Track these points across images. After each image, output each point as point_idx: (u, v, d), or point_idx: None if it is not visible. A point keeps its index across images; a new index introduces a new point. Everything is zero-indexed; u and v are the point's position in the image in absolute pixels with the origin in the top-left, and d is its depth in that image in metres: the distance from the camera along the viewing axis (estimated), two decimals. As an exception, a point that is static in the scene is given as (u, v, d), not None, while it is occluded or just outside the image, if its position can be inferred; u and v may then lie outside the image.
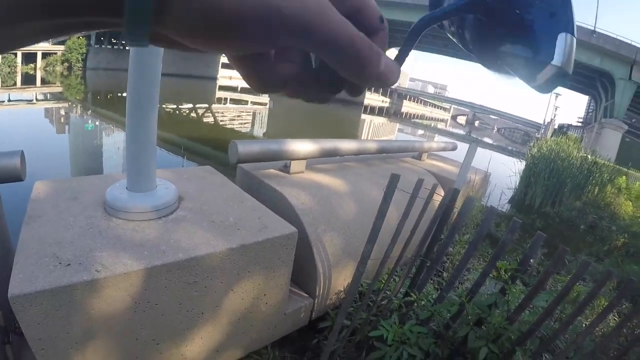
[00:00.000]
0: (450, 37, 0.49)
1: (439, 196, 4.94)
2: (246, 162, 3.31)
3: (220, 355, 2.57)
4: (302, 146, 3.52)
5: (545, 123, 32.55)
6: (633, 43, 32.09)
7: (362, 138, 27.24)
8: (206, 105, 28.42)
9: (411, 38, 0.42)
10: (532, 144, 15.52)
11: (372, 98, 78.06)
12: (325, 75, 0.38)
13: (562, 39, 0.39)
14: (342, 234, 3.20)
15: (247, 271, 2.34)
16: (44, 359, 1.86)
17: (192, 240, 2.18)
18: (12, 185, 2.47)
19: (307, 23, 0.28)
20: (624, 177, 12.32)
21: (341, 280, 3.23)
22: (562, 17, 0.40)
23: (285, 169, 3.60)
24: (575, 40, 0.40)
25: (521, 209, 10.52)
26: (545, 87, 0.42)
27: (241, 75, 0.36)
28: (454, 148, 7.07)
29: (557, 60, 0.39)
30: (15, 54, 61.31)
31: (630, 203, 11.63)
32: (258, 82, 0.36)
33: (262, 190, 3.28)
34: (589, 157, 12.02)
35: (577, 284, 2.30)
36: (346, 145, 4.08)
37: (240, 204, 2.75)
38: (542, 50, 0.40)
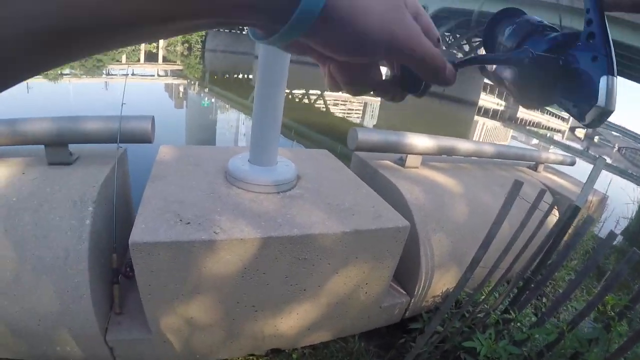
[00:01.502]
0: (491, 81, 0.54)
1: (554, 214, 4.63)
2: (364, 150, 3.28)
3: (311, 334, 2.60)
4: (420, 141, 3.42)
5: None
6: None
7: (475, 140, 26.14)
8: (319, 92, 28.93)
9: (463, 64, 0.49)
10: None
11: (487, 99, 74.80)
12: (405, 80, 0.46)
13: (604, 82, 0.42)
14: (450, 236, 3.08)
15: (356, 257, 2.32)
16: (149, 304, 1.99)
17: (307, 218, 2.20)
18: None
19: (411, 46, 0.38)
20: None
21: (441, 284, 3.11)
22: (604, 60, 0.42)
23: (401, 162, 3.52)
24: (616, 79, 0.42)
25: (634, 242, 9.49)
26: (593, 125, 0.45)
27: (339, 80, 0.44)
28: (573, 163, 6.52)
29: (601, 101, 0.41)
30: None
31: None
32: (353, 86, 0.45)
33: (376, 179, 3.24)
34: None
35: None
36: (463, 145, 3.91)
37: (356, 190, 2.74)
38: (588, 94, 0.42)
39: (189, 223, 1.94)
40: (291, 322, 2.43)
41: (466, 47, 56.91)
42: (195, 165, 2.61)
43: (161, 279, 1.92)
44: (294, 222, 2.13)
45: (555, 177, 5.70)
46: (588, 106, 0.43)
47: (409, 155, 3.44)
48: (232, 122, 14.61)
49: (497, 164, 4.83)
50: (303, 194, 2.48)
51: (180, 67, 32.77)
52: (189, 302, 2.05)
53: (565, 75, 0.45)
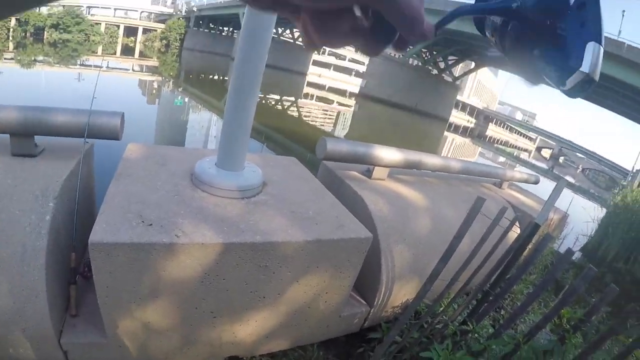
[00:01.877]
0: (488, 36, 0.54)
1: (515, 230, 4.75)
2: (332, 160, 3.32)
3: (269, 342, 2.59)
4: (388, 153, 3.48)
5: (634, 170, 30.18)
6: None
7: (443, 155, 26.64)
8: (292, 99, 28.91)
9: (448, 19, 0.47)
10: (616, 191, 14.64)
11: (457, 116, 76.33)
12: (378, 29, 0.42)
13: (590, 47, 0.42)
14: (412, 249, 3.13)
15: (317, 266, 2.34)
16: (106, 306, 1.96)
17: (270, 225, 2.21)
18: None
19: None
20: None
21: (401, 295, 3.16)
22: (591, 27, 0.42)
23: (367, 173, 3.58)
24: (602, 50, 0.42)
25: (592, 259, 9.75)
26: (573, 93, 0.44)
27: (312, 31, 0.40)
28: (537, 181, 6.73)
29: (585, 67, 0.41)
30: (118, 26, 65.70)
31: None
32: (322, 35, 0.40)
33: (342, 189, 3.28)
34: None
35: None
36: (431, 160, 3.99)
37: (321, 199, 2.76)
38: (572, 57, 0.43)
39: (151, 224, 1.93)
40: (249, 330, 2.41)
41: (442, 64, 57.94)
42: (162, 166, 2.59)
43: (119, 281, 1.89)
44: (257, 228, 2.13)
45: (518, 195, 5.86)
46: (571, 70, 0.43)
47: (376, 167, 3.50)
48: (204, 123, 14.60)
49: (462, 179, 4.94)
50: (268, 200, 2.49)
51: (156, 64, 32.38)
52: (147, 306, 2.02)
53: (551, 39, 0.45)
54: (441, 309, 2.71)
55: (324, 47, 0.43)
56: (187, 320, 2.18)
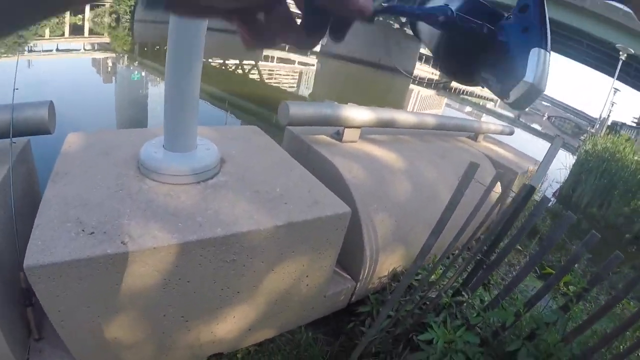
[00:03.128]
0: (423, 41, 0.52)
1: (496, 189, 4.61)
2: (297, 125, 3.02)
3: (252, 334, 2.39)
4: (358, 114, 3.19)
5: (601, 118, 30.85)
6: None
7: (412, 109, 26.69)
8: (253, 62, 28.49)
9: (383, 12, 0.45)
10: (585, 139, 15.10)
11: (421, 69, 76.63)
12: (310, 24, 0.38)
13: (535, 55, 0.39)
14: (393, 215, 2.90)
15: (292, 251, 2.09)
16: (64, 330, 1.68)
17: (232, 212, 1.92)
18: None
19: None
20: None
21: (387, 264, 2.95)
22: (535, 31, 0.39)
23: (337, 136, 3.29)
24: (549, 55, 0.39)
25: (567, 206, 9.95)
26: (519, 104, 0.41)
27: (245, 33, 0.39)
28: (511, 132, 6.59)
29: (529, 76, 0.38)
30: None
31: None
32: (255, 37, 0.39)
33: (310, 157, 2.99)
34: None
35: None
36: (404, 117, 3.73)
37: (289, 172, 2.47)
38: (514, 67, 0.40)
39: (92, 233, 1.61)
40: (229, 326, 2.18)
41: (403, 18, 57.16)
42: (104, 155, 2.23)
43: (70, 303, 1.59)
44: (217, 219, 1.84)
45: (495, 147, 5.73)
46: (514, 81, 0.39)
47: (346, 128, 3.21)
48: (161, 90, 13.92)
49: (438, 134, 4.70)
50: (227, 181, 2.18)
51: (108, 40, 31.32)
52: (110, 322, 1.74)
53: (491, 48, 0.41)
54: (434, 279, 2.51)
55: (261, 47, 0.42)
56: (157, 329, 1.91)
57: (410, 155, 3.58)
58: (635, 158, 11.02)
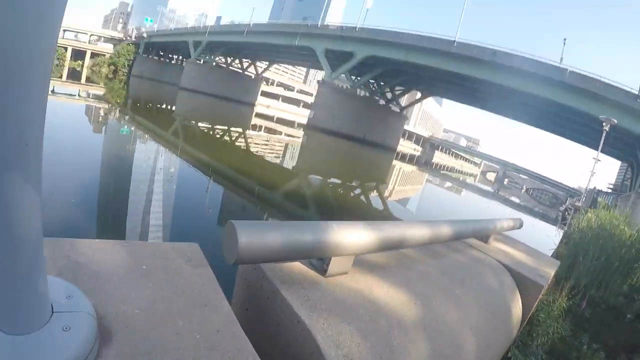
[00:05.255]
0: None
1: (518, 303, 3.56)
2: (253, 262, 1.82)
3: None
4: (353, 236, 2.08)
5: (587, 189, 30.82)
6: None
7: (395, 183, 26.00)
8: (240, 130, 28.24)
9: None
10: (571, 214, 15.10)
11: (405, 145, 78.53)
12: None
13: None
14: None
15: None
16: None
17: None
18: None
19: None
20: None
21: None
22: None
23: (321, 265, 2.16)
24: None
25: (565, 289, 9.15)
26: None
27: None
28: (521, 225, 5.73)
29: None
30: (66, 49, 62.68)
31: None
32: None
33: (277, 308, 1.84)
34: None
35: None
36: (416, 232, 2.62)
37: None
38: None
39: None
40: None
41: (389, 95, 58.75)
42: None
43: None
44: None
45: (507, 248, 4.87)
46: None
47: (333, 258, 2.11)
48: (150, 154, 13.95)
49: (446, 242, 3.65)
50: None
51: (102, 91, 31.31)
52: None
53: None
54: None
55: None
56: None
57: (423, 290, 2.50)
58: (631, 232, 10.57)
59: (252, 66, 73.83)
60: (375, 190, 21.42)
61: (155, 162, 12.75)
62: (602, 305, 8.41)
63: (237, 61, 72.09)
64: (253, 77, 75.26)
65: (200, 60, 66.68)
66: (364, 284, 2.23)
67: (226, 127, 26.97)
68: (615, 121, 27.45)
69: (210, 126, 25.54)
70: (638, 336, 7.26)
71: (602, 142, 28.27)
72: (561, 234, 18.54)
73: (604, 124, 27.49)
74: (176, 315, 1.40)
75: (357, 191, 19.20)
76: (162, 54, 73.01)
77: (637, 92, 31.05)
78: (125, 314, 1.32)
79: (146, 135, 16.89)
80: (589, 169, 28.81)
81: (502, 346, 3.28)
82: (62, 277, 1.32)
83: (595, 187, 38.34)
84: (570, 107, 34.13)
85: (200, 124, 25.50)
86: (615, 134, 31.71)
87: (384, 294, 2.21)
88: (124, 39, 71.95)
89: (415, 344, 2.02)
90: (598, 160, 28.83)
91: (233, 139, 24.13)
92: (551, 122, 47.90)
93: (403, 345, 1.94)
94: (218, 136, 23.16)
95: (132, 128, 17.63)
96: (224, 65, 72.08)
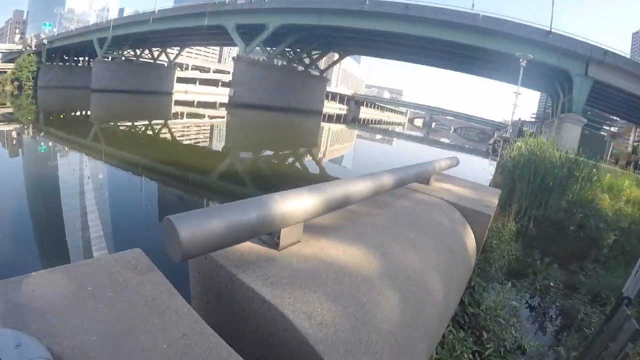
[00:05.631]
0: None
1: (470, 234, 3.66)
2: (201, 254, 1.65)
3: None
4: (299, 203, 2.03)
5: (512, 121, 32.58)
6: (588, 41, 33.11)
7: (326, 145, 26.16)
8: (162, 121, 27.39)
9: None
10: (501, 146, 15.94)
11: (330, 107, 78.76)
12: None
13: None
14: (392, 356, 1.78)
15: None
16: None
17: None
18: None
19: None
20: (593, 170, 11.79)
21: None
22: None
23: (272, 240, 2.09)
24: None
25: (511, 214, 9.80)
26: None
27: None
28: (457, 163, 5.93)
29: None
30: None
31: (607, 196, 11.77)
32: None
33: (236, 294, 1.76)
34: (570, 155, 11.64)
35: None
36: (360, 187, 2.60)
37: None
38: None
39: None
40: None
41: (307, 60, 58.40)
42: None
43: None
44: None
45: (449, 186, 5.00)
46: None
47: (282, 229, 2.04)
48: (75, 166, 13.11)
49: (390, 191, 3.65)
50: None
51: (10, 109, 29.14)
52: None
53: None
54: None
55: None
56: None
57: (378, 241, 2.50)
58: (560, 154, 11.36)
59: (163, 54, 70.87)
60: (308, 155, 21.42)
61: (82, 173, 12.04)
62: (546, 223, 9.14)
63: (146, 52, 68.92)
64: (166, 65, 72.18)
65: (108, 58, 63.01)
66: (319, 248, 2.18)
67: (147, 122, 25.91)
68: (531, 56, 29.46)
69: (130, 124, 24.45)
70: (583, 244, 8.11)
71: (520, 76, 30.40)
72: (494, 165, 19.45)
73: (520, 60, 29.39)
74: (136, 331, 1.29)
75: (291, 159, 19.10)
76: (67, 58, 68.29)
77: (548, 29, 33.08)
78: (83, 345, 1.20)
79: (66, 148, 15.65)
80: (512, 103, 30.76)
81: (465, 277, 3.37)
82: (6, 325, 1.20)
83: (520, 118, 40.71)
84: (486, 48, 35.67)
85: (120, 124, 24.32)
86: (532, 68, 33.53)
87: (341, 254, 2.18)
88: (24, 50, 66.39)
89: (384, 295, 2.01)
90: (519, 93, 31.06)
91: (157, 132, 23.11)
92: (472, 65, 49.39)
93: (373, 299, 1.92)
94: (141, 132, 22.04)
95: (50, 143, 16.41)
96: (134, 59, 68.72)
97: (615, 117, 65.39)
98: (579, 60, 32.23)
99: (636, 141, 56.22)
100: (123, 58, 65.91)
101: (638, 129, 54.94)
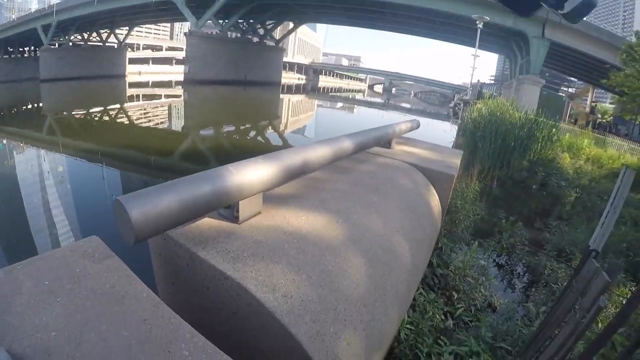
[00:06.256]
0: None
1: (434, 196, 3.67)
2: (156, 233, 1.57)
3: None
4: (255, 173, 1.96)
5: (471, 83, 32.96)
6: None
7: (287, 116, 26.01)
8: (118, 106, 26.60)
9: None
10: (461, 108, 16.31)
11: (288, 77, 77.68)
12: None
13: None
14: (362, 323, 1.76)
15: None
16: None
17: None
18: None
19: None
20: (553, 129, 12.12)
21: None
22: None
23: (231, 213, 2.03)
24: None
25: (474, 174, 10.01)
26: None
27: None
28: (418, 126, 5.88)
29: None
30: None
31: (567, 155, 12.19)
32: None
33: (197, 273, 1.70)
34: (530, 115, 11.89)
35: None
36: (319, 153, 2.55)
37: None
38: None
39: None
40: None
41: (261, 31, 57.30)
42: None
43: None
44: None
45: (410, 149, 4.99)
46: None
47: (240, 202, 1.97)
48: (33, 162, 12.69)
49: (351, 156, 3.60)
50: None
51: None
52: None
53: None
54: None
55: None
56: None
57: (341, 207, 2.47)
58: (519, 114, 11.73)
59: (112, 35, 68.29)
60: (270, 127, 21.28)
61: (40, 168, 11.75)
62: (509, 182, 9.51)
63: (94, 35, 66.28)
64: (116, 47, 69.57)
65: (55, 45, 60.25)
66: (281, 218, 2.13)
67: (102, 108, 25.07)
68: (488, 18, 29.64)
69: (85, 112, 23.60)
70: (546, 202, 8.45)
71: (478, 39, 30.63)
72: (456, 128, 19.73)
73: (477, 22, 29.59)
74: (97, 321, 1.23)
75: (253, 133, 18.96)
76: (11, 50, 65.03)
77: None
78: (43, 341, 1.15)
79: (21, 144, 15.07)
80: (471, 66, 31.00)
81: (432, 239, 3.39)
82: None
83: (479, 81, 41.21)
84: (441, 11, 35.57)
85: (74, 113, 23.42)
86: (490, 30, 33.65)
87: (304, 223, 2.14)
88: (-38, 48, 62.71)
89: (350, 261, 1.98)
90: (477, 56, 31.32)
91: (113, 117, 22.46)
92: (429, 29, 49.38)
93: (339, 266, 1.89)
94: (96, 119, 21.32)
95: (5, 141, 15.78)
96: (82, 43, 65.97)
97: (573, 78, 66.80)
98: (535, 21, 32.33)
99: (593, 102, 57.88)
100: (70, 44, 63.10)
101: (595, 90, 56.40)
